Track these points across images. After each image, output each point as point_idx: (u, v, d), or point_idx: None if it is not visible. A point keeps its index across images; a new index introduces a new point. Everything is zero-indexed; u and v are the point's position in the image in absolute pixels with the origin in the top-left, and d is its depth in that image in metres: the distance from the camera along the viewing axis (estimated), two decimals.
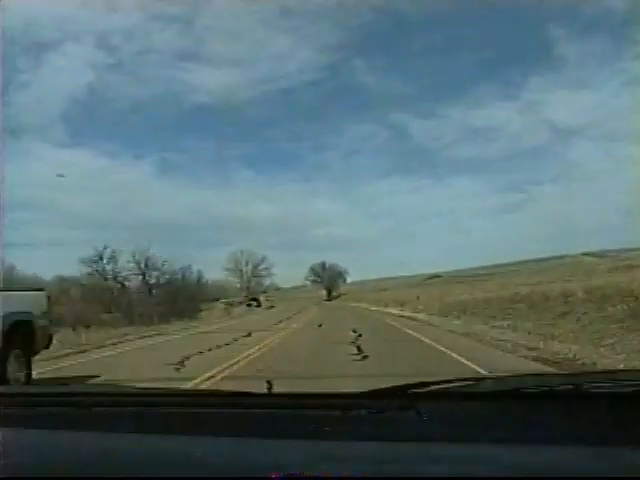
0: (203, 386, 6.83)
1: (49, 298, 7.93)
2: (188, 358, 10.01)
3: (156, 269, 41.24)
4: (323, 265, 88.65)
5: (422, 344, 12.03)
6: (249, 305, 59.88)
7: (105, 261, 40.02)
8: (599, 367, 7.67)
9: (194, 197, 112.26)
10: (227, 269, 75.06)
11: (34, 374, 7.26)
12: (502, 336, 12.69)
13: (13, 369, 6.56)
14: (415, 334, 14.42)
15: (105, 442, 1.03)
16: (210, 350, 11.47)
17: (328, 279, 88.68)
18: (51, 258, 67.82)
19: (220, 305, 52.54)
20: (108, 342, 15.97)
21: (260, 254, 75.98)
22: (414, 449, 0.92)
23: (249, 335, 15.38)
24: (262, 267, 76.05)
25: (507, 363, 8.55)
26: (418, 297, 33.75)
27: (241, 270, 75.67)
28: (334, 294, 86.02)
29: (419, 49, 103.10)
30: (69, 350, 12.94)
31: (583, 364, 8.15)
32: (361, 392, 1.16)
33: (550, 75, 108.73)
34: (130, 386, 1.77)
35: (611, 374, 1.69)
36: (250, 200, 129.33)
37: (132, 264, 41.19)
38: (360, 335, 13.37)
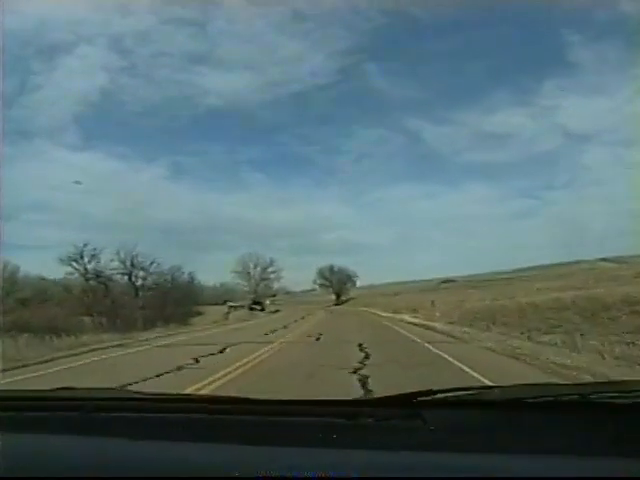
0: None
1: None
2: None
3: (143, 269, 36.92)
4: (331, 268, 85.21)
5: (458, 373, 8.12)
6: (251, 309, 57.55)
7: (86, 259, 35.18)
8: None
9: (205, 200, 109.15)
10: (235, 272, 72.84)
11: None
12: (566, 360, 8.97)
13: None
14: (442, 354, 10.57)
15: (101, 447, 1.05)
16: (137, 382, 7.58)
17: (337, 283, 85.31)
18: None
19: (224, 308, 51.02)
20: (47, 357, 12.49)
21: (268, 257, 73.73)
22: (419, 457, 0.96)
23: (222, 351, 11.91)
24: (271, 270, 73.78)
25: None
26: (433, 302, 30.61)
27: (249, 273, 73.43)
28: (343, 298, 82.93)
29: (432, 54, 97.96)
30: None
31: None
32: (367, 399, 1.47)
33: (564, 81, 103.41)
34: (128, 391, 1.82)
35: (616, 384, 1.78)
36: (261, 203, 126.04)
37: (116, 262, 35.69)
38: (367, 356, 9.82)
